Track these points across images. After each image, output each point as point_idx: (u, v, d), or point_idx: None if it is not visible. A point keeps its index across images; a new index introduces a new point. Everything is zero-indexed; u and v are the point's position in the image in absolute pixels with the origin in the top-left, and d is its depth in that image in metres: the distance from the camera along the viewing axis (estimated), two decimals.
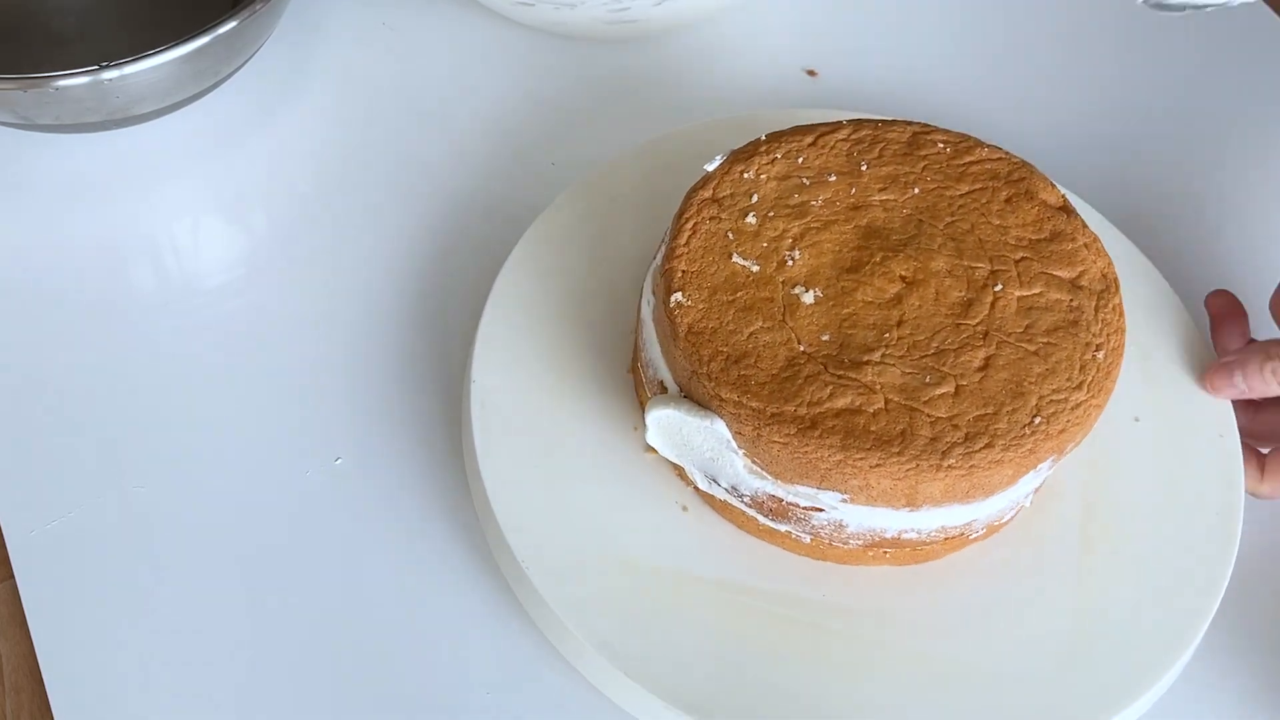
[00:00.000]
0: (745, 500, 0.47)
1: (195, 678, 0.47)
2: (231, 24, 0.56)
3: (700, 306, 0.46)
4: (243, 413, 0.53)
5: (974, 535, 0.48)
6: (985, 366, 0.45)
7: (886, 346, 0.45)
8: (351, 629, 0.48)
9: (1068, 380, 0.45)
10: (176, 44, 0.54)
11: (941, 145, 0.51)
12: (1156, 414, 0.52)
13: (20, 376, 0.54)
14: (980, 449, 0.43)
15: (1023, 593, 0.48)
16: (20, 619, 0.52)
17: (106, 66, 0.53)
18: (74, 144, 0.61)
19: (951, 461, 0.43)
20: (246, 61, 0.61)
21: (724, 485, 0.47)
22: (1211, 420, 0.52)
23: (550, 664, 0.47)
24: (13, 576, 0.48)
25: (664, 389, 0.47)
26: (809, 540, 0.47)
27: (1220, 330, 0.56)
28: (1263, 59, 0.71)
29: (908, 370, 0.44)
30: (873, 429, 0.43)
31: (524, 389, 0.51)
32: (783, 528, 0.47)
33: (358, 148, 0.63)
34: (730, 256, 0.47)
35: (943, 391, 0.44)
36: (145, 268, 0.58)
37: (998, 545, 0.49)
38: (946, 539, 0.47)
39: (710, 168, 0.49)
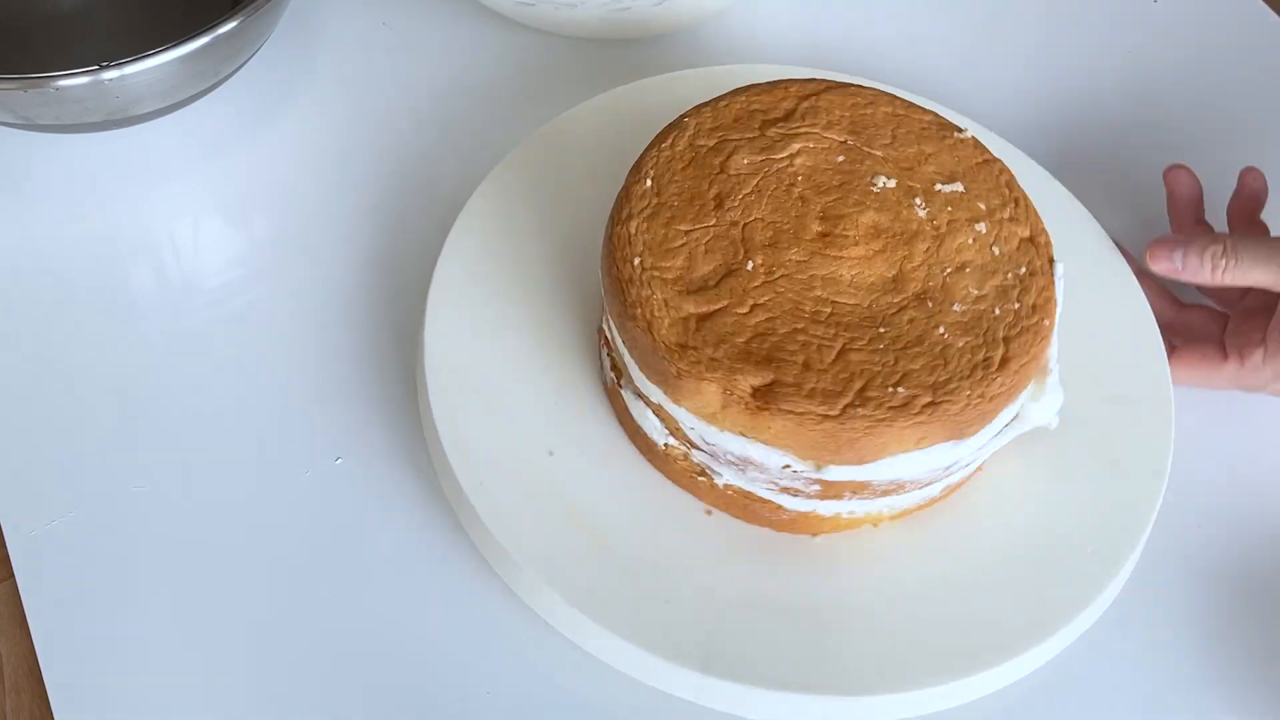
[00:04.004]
0: (685, 457, 0.49)
1: (195, 677, 0.47)
2: (231, 24, 0.56)
3: (669, 320, 0.47)
4: (243, 413, 0.53)
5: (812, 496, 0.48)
6: (871, 343, 0.45)
7: (796, 309, 0.46)
8: (351, 628, 0.48)
9: (959, 372, 0.45)
10: (176, 44, 0.54)
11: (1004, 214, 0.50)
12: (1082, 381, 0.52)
13: (20, 376, 0.54)
14: (871, 414, 0.44)
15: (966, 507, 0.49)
16: (20, 619, 0.52)
17: (106, 66, 0.53)
18: (74, 144, 0.61)
19: (855, 420, 0.44)
20: (247, 62, 0.61)
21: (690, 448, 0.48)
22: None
23: (542, 646, 0.47)
24: (13, 576, 0.48)
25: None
26: (662, 450, 0.49)
27: (1175, 208, 0.58)
28: (1261, 58, 0.71)
29: (812, 334, 0.45)
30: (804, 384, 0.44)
31: (482, 364, 0.51)
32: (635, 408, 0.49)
33: (357, 147, 0.63)
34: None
35: (825, 349, 0.45)
36: (145, 268, 0.58)
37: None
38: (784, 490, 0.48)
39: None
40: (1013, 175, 0.50)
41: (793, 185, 0.49)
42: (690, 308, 0.46)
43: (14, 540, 0.49)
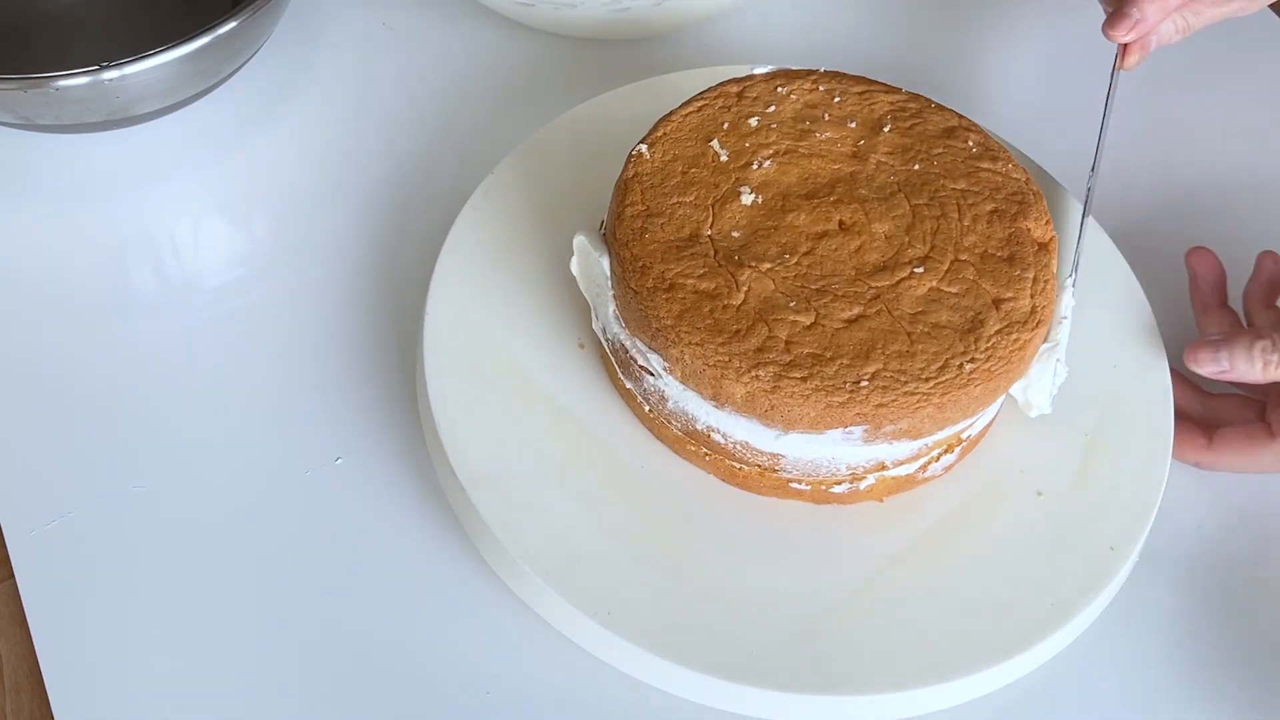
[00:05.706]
0: (607, 346, 0.50)
1: (195, 677, 0.47)
2: (231, 24, 0.56)
3: (654, 163, 0.49)
4: (243, 412, 0.53)
5: (791, 481, 0.49)
6: (853, 321, 0.46)
7: (778, 263, 0.47)
8: (351, 628, 0.48)
9: (920, 372, 0.45)
10: (176, 44, 0.54)
11: (971, 144, 0.51)
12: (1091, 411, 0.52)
13: (20, 376, 0.54)
14: (794, 377, 0.44)
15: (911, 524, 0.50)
16: (20, 619, 0.52)
17: (106, 66, 0.53)
18: (74, 144, 0.61)
19: (760, 373, 0.44)
20: (247, 62, 0.61)
21: (600, 325, 0.50)
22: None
23: (542, 646, 0.47)
24: (13, 576, 0.48)
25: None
26: (648, 411, 0.50)
27: (1198, 291, 0.56)
28: (1261, 58, 0.71)
29: (783, 289, 0.46)
30: (714, 315, 0.45)
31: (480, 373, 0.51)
32: (628, 384, 0.50)
33: (357, 148, 0.63)
34: (710, 140, 0.50)
35: (798, 319, 0.46)
36: (145, 268, 0.58)
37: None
38: (760, 469, 0.48)
39: (759, 71, 0.53)
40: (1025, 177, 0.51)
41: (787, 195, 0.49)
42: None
43: (14, 540, 0.49)
